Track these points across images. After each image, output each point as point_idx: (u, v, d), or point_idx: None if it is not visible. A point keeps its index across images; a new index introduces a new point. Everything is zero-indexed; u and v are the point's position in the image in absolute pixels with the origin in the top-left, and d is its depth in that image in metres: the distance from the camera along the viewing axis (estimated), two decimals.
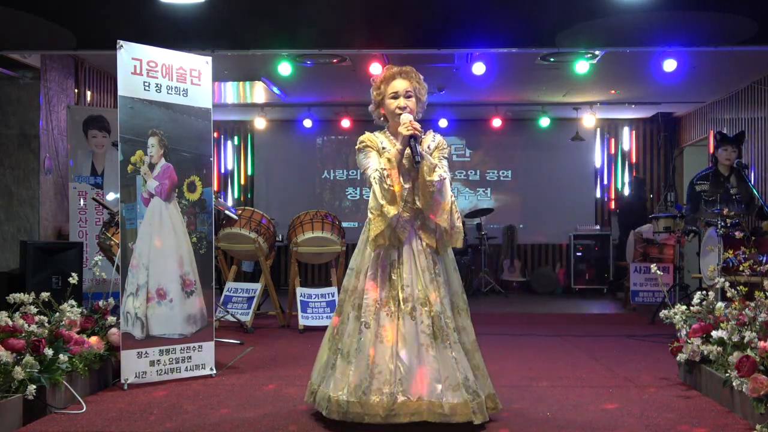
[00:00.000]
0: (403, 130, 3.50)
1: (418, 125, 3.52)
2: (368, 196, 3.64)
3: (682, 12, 6.00)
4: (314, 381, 3.68)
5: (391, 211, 3.46)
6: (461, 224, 3.67)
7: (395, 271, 3.53)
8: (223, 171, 12.07)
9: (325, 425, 3.60)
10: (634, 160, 11.89)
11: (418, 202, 3.58)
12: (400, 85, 3.65)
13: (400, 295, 3.48)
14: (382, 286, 3.51)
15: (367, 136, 3.74)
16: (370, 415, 3.35)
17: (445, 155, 3.74)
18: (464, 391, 3.38)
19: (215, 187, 9.35)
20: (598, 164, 11.92)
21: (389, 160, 3.50)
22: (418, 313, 3.45)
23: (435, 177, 3.50)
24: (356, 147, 3.74)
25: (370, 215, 3.54)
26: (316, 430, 3.55)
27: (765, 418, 3.39)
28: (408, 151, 3.52)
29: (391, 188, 3.46)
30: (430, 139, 3.77)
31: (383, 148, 3.65)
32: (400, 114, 3.60)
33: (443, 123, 11.01)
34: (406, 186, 3.56)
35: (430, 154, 3.65)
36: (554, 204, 11.75)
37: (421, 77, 3.75)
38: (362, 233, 3.73)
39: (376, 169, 3.53)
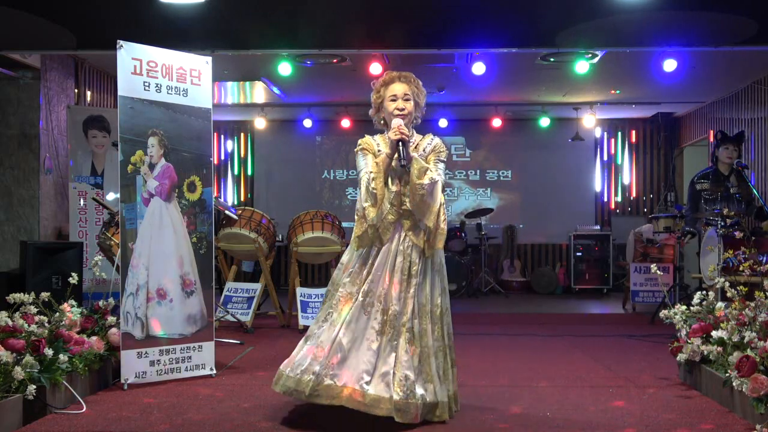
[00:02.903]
0: (392, 135, 3.64)
1: (405, 130, 3.63)
2: None
3: (682, 12, 6.00)
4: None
5: (371, 213, 3.62)
6: (445, 227, 3.77)
7: (366, 268, 3.68)
8: (222, 171, 12.07)
9: (326, 424, 3.61)
10: (634, 159, 11.89)
11: (408, 204, 3.68)
12: (399, 88, 3.76)
13: (363, 289, 3.63)
14: (354, 282, 3.67)
15: (364, 140, 3.86)
16: (298, 392, 3.55)
17: (442, 158, 3.81)
18: (396, 388, 3.46)
19: (215, 187, 9.35)
20: (598, 164, 11.92)
21: (377, 164, 3.65)
22: (374, 309, 3.60)
23: (425, 180, 3.61)
24: (355, 150, 3.85)
25: (355, 216, 3.72)
26: (317, 429, 3.56)
27: (765, 418, 3.39)
28: (396, 155, 3.62)
29: (375, 191, 3.62)
30: (427, 142, 3.84)
31: (379, 151, 3.76)
32: (399, 116, 3.70)
33: (443, 123, 11.01)
34: (393, 189, 3.68)
35: (426, 157, 3.74)
36: (554, 204, 11.75)
37: (420, 83, 3.84)
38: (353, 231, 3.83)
39: (366, 173, 3.68)
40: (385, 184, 3.67)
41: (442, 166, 3.78)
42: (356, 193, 11.95)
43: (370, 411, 3.47)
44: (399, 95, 3.74)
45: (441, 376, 3.63)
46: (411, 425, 3.48)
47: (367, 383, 3.49)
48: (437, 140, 3.86)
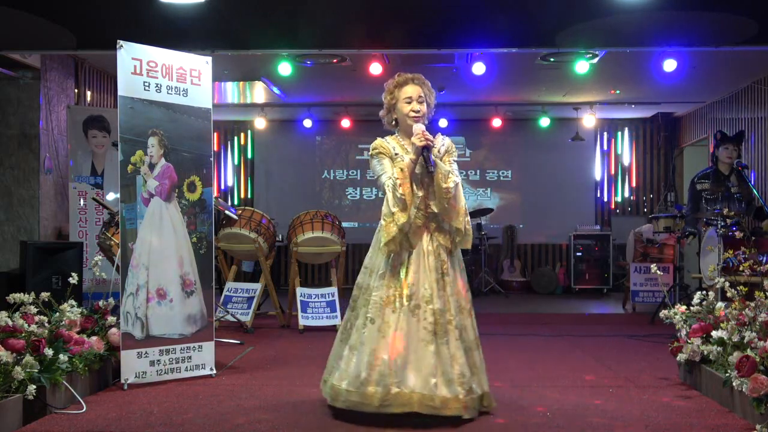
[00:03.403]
0: (417, 141, 3.67)
1: (430, 135, 3.68)
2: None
3: (682, 12, 6.00)
4: (325, 372, 3.88)
5: (402, 218, 3.64)
6: (470, 227, 3.85)
7: (403, 270, 3.70)
8: (223, 171, 12.07)
9: (326, 424, 3.61)
10: (634, 160, 11.89)
11: (434, 207, 3.75)
12: (413, 90, 3.82)
13: (405, 293, 3.65)
14: (390, 285, 3.68)
15: (379, 143, 3.88)
16: (365, 404, 3.55)
17: (455, 158, 3.91)
18: (458, 387, 3.56)
19: (215, 188, 9.35)
20: (598, 164, 11.92)
21: (402, 170, 3.67)
22: (422, 311, 3.63)
23: (450, 183, 3.70)
24: (369, 153, 3.89)
25: (382, 221, 3.71)
26: (317, 429, 3.56)
27: (765, 418, 3.39)
28: (421, 159, 3.69)
29: (403, 197, 3.64)
30: (440, 143, 3.91)
31: (396, 154, 3.80)
32: (414, 118, 3.77)
33: (443, 123, 11.00)
34: (419, 194, 3.73)
35: (441, 158, 3.82)
36: (554, 204, 11.74)
37: (430, 84, 3.92)
38: (376, 232, 3.88)
39: (390, 177, 3.70)
40: (411, 188, 3.71)
41: (456, 166, 3.88)
42: (356, 193, 12.04)
43: (441, 413, 3.52)
44: (414, 97, 3.80)
45: (480, 367, 3.75)
46: (424, 421, 3.55)
47: (435, 386, 3.53)
48: (448, 140, 3.95)
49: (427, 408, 3.51)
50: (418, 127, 3.72)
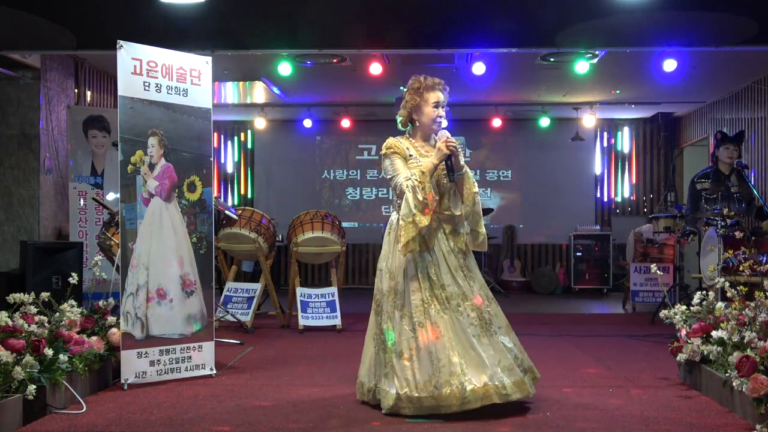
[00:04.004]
0: (443, 147, 3.74)
1: (455, 142, 3.78)
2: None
3: (682, 12, 6.00)
4: (366, 380, 3.93)
5: (424, 221, 3.71)
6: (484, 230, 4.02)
7: (432, 272, 3.78)
8: (223, 171, 12.07)
9: (327, 424, 3.60)
10: (634, 160, 11.90)
11: (455, 211, 3.87)
12: (441, 97, 3.92)
13: (443, 294, 3.75)
14: (424, 287, 3.76)
15: (393, 142, 3.93)
16: (445, 406, 3.63)
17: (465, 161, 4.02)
18: (517, 369, 3.76)
19: (215, 188, 9.35)
20: (598, 164, 11.92)
21: (423, 172, 3.73)
22: (463, 308, 3.75)
23: (476, 188, 3.94)
24: (382, 152, 3.94)
25: (402, 222, 3.76)
26: (317, 429, 3.56)
27: (765, 418, 3.39)
28: (442, 165, 3.78)
29: (425, 200, 3.71)
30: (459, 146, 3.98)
31: (410, 156, 3.86)
32: (440, 122, 3.90)
33: (443, 123, 10.99)
34: (437, 198, 3.80)
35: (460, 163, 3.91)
36: (554, 204, 11.74)
37: None
38: (386, 234, 3.95)
39: (408, 178, 3.76)
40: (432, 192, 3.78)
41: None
42: (356, 193, 12.04)
43: (512, 398, 3.70)
44: (441, 103, 3.90)
45: (519, 345, 3.92)
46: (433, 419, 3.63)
47: (502, 374, 3.68)
48: (458, 141, 3.99)
49: (502, 396, 3.65)
50: (444, 134, 3.80)
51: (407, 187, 3.74)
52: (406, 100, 3.95)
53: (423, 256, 3.79)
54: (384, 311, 3.83)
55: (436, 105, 3.89)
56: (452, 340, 3.67)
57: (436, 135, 3.89)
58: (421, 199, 3.69)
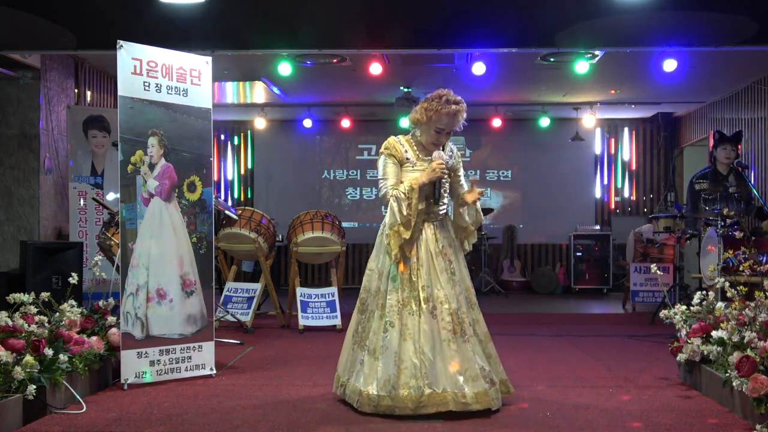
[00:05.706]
0: (437, 170, 3.79)
1: (445, 169, 3.82)
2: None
3: (682, 12, 6.00)
4: (341, 374, 3.97)
5: (406, 234, 3.76)
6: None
7: (415, 273, 3.79)
8: (223, 171, 12.07)
9: (326, 424, 3.60)
10: (634, 159, 11.90)
11: (460, 222, 4.01)
12: (451, 124, 3.89)
13: (421, 295, 3.76)
14: (403, 288, 3.78)
15: (393, 143, 3.96)
16: (400, 408, 3.63)
17: (462, 168, 4.11)
18: (482, 381, 3.70)
19: (214, 188, 9.34)
20: (598, 164, 11.92)
21: (413, 188, 3.77)
22: (438, 312, 3.74)
23: (481, 217, 4.10)
24: (380, 150, 3.98)
25: (388, 230, 3.81)
26: (317, 428, 3.56)
27: (765, 418, 3.39)
28: (431, 186, 3.84)
29: (409, 216, 3.75)
30: (450, 148, 4.04)
31: (407, 159, 3.90)
32: (437, 145, 3.91)
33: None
34: (420, 207, 3.83)
35: (453, 173, 3.99)
36: (554, 204, 11.74)
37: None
38: (379, 234, 3.97)
39: (395, 189, 3.81)
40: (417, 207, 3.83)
41: (463, 172, 4.12)
42: (356, 193, 12.04)
43: (472, 408, 3.65)
44: (447, 130, 3.90)
45: (495, 357, 3.92)
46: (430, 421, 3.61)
47: (464, 383, 3.66)
48: (456, 151, 4.09)
49: (460, 405, 3.63)
50: (438, 154, 3.85)
51: (393, 197, 3.80)
52: (416, 109, 3.95)
53: (409, 258, 3.82)
54: (368, 310, 3.89)
55: (439, 131, 3.88)
56: (419, 343, 3.68)
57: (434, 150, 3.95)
58: (405, 213, 3.75)
